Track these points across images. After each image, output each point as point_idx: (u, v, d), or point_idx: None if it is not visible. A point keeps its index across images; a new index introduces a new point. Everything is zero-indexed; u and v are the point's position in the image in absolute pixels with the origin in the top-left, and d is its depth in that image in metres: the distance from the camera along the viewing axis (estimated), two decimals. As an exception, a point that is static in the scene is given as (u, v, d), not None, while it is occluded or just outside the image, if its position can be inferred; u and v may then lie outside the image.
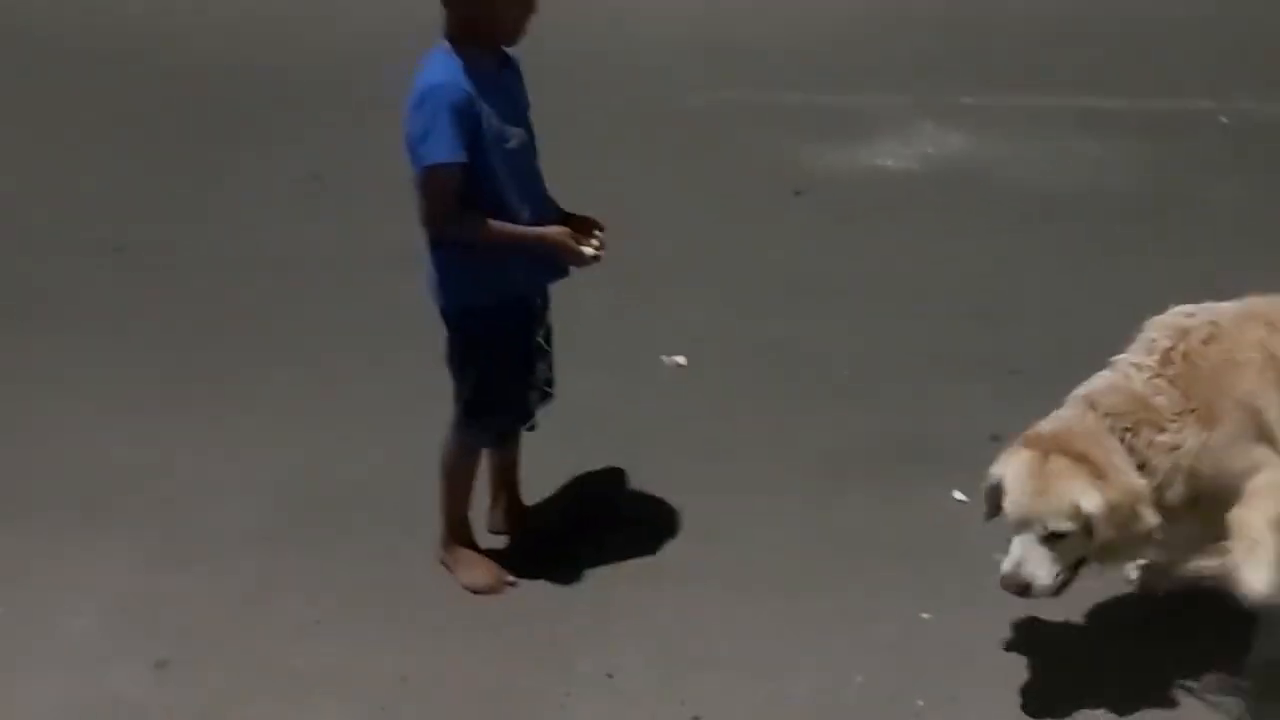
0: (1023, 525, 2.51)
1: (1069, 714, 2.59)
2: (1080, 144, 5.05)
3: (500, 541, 3.08)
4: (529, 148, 2.73)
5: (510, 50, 2.75)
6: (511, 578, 2.93)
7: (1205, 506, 2.56)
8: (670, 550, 3.04)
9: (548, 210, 2.79)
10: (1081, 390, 2.67)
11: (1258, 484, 2.54)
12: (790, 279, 4.21)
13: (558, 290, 2.91)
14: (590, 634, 2.80)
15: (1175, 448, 2.52)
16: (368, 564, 3.00)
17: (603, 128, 5.26)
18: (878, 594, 2.87)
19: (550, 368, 2.95)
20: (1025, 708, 2.60)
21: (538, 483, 3.18)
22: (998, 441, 3.36)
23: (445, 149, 2.54)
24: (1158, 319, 2.71)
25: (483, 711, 2.61)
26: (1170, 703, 2.60)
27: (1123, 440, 2.52)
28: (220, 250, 4.43)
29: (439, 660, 2.73)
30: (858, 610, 2.83)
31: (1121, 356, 2.69)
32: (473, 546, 2.98)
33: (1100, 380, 2.66)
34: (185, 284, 4.23)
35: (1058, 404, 3.56)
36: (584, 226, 2.77)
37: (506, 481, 3.08)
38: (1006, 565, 2.51)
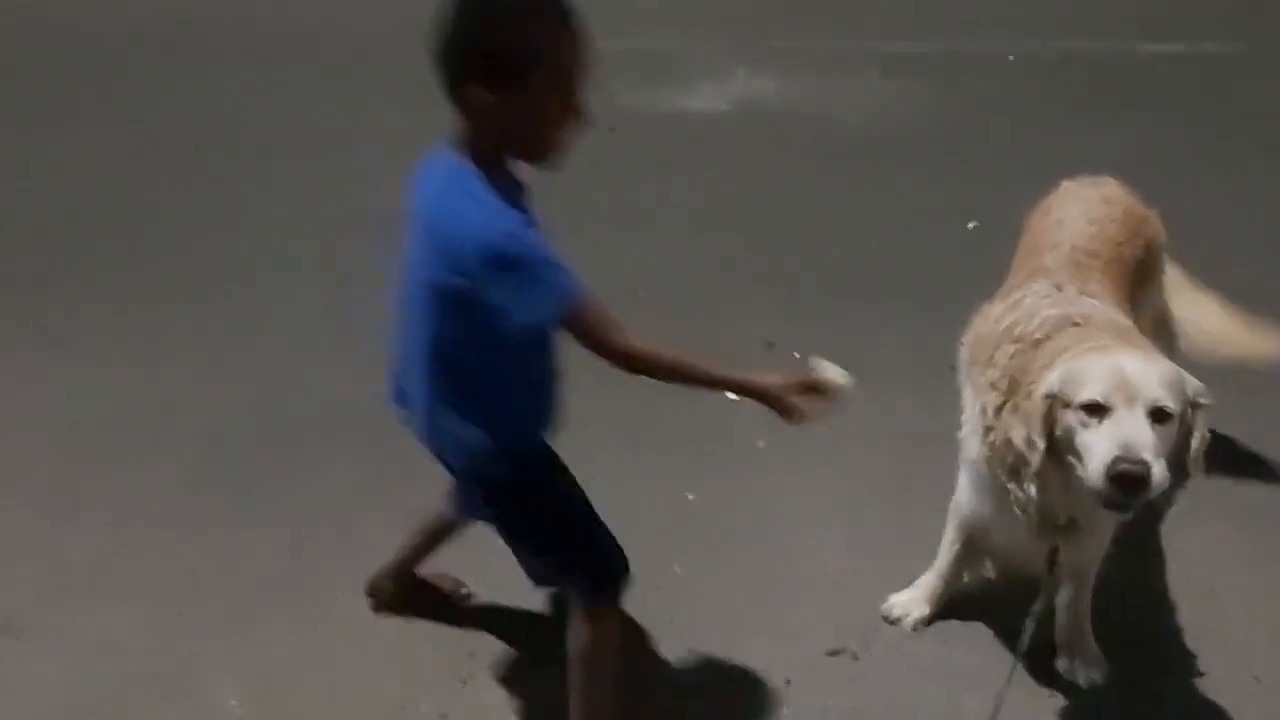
0: (1132, 397, 1.96)
1: (808, 571, 2.84)
2: (879, 85, 5.36)
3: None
4: None
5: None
6: None
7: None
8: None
9: None
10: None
11: None
12: (598, 208, 4.39)
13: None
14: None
15: None
16: (167, 488, 3.10)
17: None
18: (652, 480, 3.09)
19: None
20: (765, 571, 2.84)
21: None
22: (771, 348, 3.69)
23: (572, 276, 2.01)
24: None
25: (269, 597, 2.76)
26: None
27: None
28: (44, 208, 4.43)
29: (231, 559, 2.87)
30: (632, 495, 3.02)
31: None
32: None
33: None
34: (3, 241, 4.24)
35: (827, 315, 3.88)
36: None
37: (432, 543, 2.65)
38: (1116, 446, 1.91)
